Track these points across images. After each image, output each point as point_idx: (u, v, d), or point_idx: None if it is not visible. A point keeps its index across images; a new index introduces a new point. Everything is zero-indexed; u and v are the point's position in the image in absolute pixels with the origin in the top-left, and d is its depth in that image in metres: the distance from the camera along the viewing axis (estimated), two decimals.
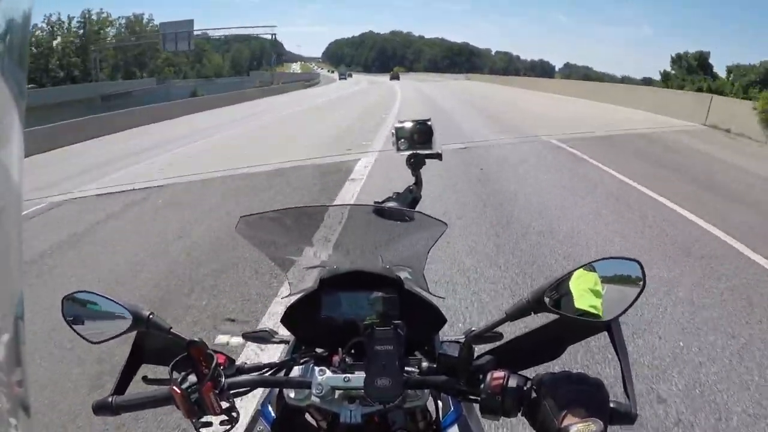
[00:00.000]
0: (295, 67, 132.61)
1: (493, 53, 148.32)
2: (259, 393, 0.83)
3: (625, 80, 56.94)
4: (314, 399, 0.71)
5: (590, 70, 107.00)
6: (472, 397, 0.67)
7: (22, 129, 0.34)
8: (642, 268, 0.60)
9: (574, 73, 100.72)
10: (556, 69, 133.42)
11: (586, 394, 0.58)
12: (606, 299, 0.60)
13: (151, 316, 0.70)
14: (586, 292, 0.60)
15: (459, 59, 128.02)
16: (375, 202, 0.99)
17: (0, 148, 0.32)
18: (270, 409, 0.82)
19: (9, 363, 0.34)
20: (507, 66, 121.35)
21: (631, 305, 0.59)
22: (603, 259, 0.61)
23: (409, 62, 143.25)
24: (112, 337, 0.71)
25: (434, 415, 0.80)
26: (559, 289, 0.61)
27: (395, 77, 66.43)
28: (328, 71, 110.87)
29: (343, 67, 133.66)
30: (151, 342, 0.76)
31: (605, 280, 0.60)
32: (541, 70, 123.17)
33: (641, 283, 0.60)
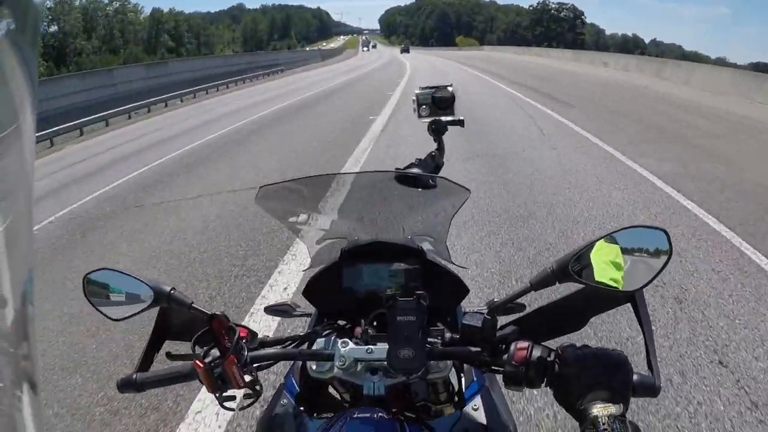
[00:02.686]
0: (335, 43, 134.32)
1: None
2: (282, 366, 0.88)
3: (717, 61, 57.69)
4: (337, 371, 0.76)
5: (680, 49, 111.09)
6: (495, 368, 0.70)
7: (34, 117, 0.37)
8: (668, 237, 0.62)
9: (667, 51, 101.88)
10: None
11: (608, 373, 0.62)
12: (629, 270, 0.63)
13: (172, 292, 0.75)
14: (607, 265, 0.63)
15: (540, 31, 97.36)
16: (396, 169, 1.01)
17: (13, 135, 0.34)
18: (293, 381, 0.87)
19: (17, 337, 0.37)
20: (597, 40, 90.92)
21: (655, 276, 0.62)
22: (628, 227, 0.64)
23: (478, 32, 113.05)
24: (134, 314, 0.76)
25: (457, 387, 0.85)
26: (582, 259, 0.64)
27: (405, 50, 72.65)
28: (369, 46, 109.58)
29: (368, 41, 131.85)
30: (174, 318, 0.82)
31: (629, 250, 0.63)
32: (634, 45, 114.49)
33: (668, 253, 0.62)
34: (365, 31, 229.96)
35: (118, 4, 61.90)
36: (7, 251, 0.35)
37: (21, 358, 0.37)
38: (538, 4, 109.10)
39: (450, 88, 1.22)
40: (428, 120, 1.22)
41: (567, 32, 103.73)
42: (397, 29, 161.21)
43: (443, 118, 1.22)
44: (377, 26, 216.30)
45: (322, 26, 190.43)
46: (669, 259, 0.61)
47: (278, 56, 46.48)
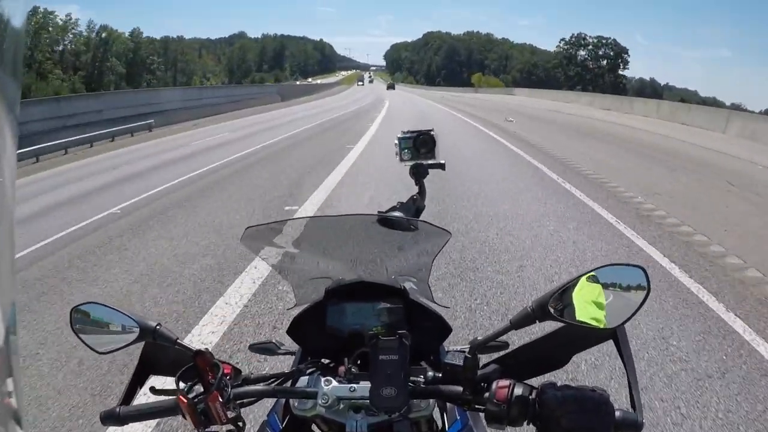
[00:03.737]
0: (333, 78, 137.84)
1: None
2: (266, 402, 0.90)
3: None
4: (320, 409, 0.79)
5: (696, 95, 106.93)
6: (477, 406, 0.73)
7: (15, 138, 0.36)
8: (646, 274, 0.66)
9: (685, 96, 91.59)
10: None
11: (589, 416, 0.65)
12: (610, 306, 0.67)
13: (158, 327, 0.78)
14: (588, 304, 0.67)
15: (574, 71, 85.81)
16: (379, 212, 1.07)
17: None
18: (276, 418, 0.91)
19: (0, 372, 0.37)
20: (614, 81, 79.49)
21: (635, 313, 0.66)
22: (607, 265, 0.68)
23: (490, 71, 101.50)
24: (120, 348, 0.79)
25: (440, 425, 0.90)
26: (563, 298, 0.67)
27: (391, 87, 78.90)
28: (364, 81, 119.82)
29: (362, 74, 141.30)
30: (159, 353, 0.85)
31: (609, 286, 0.67)
32: (652, 90, 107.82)
33: (646, 289, 0.66)
34: (372, 67, 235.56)
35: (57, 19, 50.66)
36: None
37: (4, 395, 0.37)
38: (572, 37, 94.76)
39: (432, 133, 1.29)
40: (410, 164, 1.30)
41: (607, 73, 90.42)
42: (401, 65, 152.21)
43: (425, 162, 1.30)
44: (384, 62, 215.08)
45: (324, 60, 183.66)
46: (647, 295, 0.66)
47: (202, 93, 36.83)
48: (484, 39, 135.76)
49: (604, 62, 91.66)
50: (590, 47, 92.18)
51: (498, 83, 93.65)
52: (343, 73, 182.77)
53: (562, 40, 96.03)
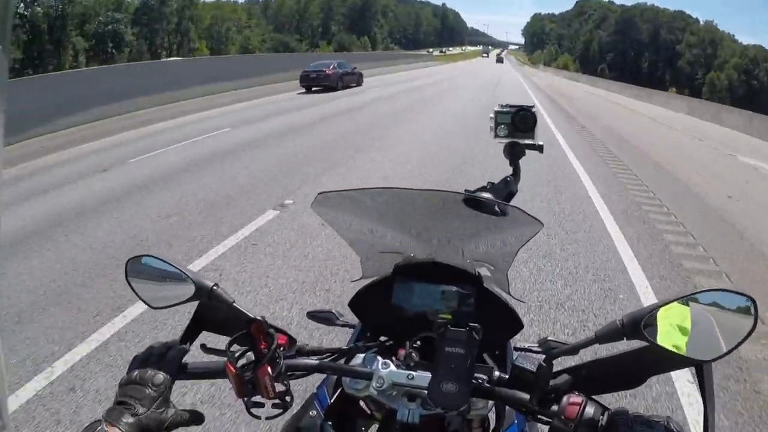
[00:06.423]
0: (452, 51, 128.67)
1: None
2: (316, 374, 0.90)
3: None
4: (372, 391, 0.80)
5: None
6: (543, 418, 0.72)
7: (3, 121, 0.38)
8: (755, 306, 0.62)
9: None
10: None
11: None
12: (703, 337, 0.63)
13: (214, 288, 0.80)
14: (673, 329, 0.64)
15: None
16: (466, 191, 1.07)
17: None
18: (326, 393, 0.93)
19: None
20: None
21: (734, 348, 0.62)
22: (710, 290, 0.65)
23: (683, 62, 62.59)
24: (173, 305, 0.82)
25: (493, 425, 0.91)
26: (651, 318, 0.66)
27: (499, 60, 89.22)
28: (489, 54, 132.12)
29: (488, 47, 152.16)
30: (213, 312, 0.85)
31: (707, 315, 0.64)
32: None
33: (752, 323, 0.61)
34: (511, 46, 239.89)
35: None
36: None
37: None
38: None
39: (533, 110, 1.24)
40: (506, 141, 1.26)
41: None
42: (544, 41, 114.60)
43: (522, 141, 1.25)
44: (523, 40, 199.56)
45: (445, 29, 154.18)
46: (752, 330, 0.61)
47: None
48: (676, 15, 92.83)
49: None
50: None
51: None
52: (468, 48, 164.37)
53: None
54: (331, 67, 19.77)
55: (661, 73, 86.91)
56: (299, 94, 18.39)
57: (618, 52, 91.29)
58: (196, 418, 0.79)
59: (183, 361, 0.81)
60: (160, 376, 0.75)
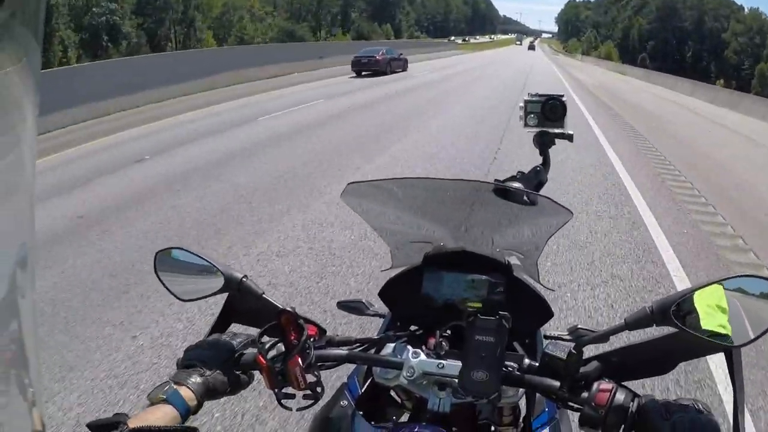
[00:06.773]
0: (480, 39, 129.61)
1: None
2: (346, 364, 0.95)
3: None
4: (403, 381, 0.82)
5: None
6: (574, 405, 0.74)
7: (35, 114, 0.37)
8: None
9: None
10: None
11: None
12: (735, 320, 0.65)
13: (243, 280, 0.83)
14: (713, 310, 0.66)
15: None
16: (496, 181, 1.10)
17: (15, 142, 0.35)
18: (356, 383, 0.96)
19: (18, 347, 0.40)
20: None
21: (764, 333, 0.63)
22: (738, 276, 0.67)
23: (730, 51, 61.64)
24: (203, 297, 0.84)
25: (523, 412, 0.94)
26: (684, 304, 0.68)
27: (531, 48, 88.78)
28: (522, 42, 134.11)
29: (522, 35, 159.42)
30: (242, 304, 0.89)
31: (739, 297, 0.65)
32: None
33: None
34: (544, 34, 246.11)
35: None
36: (7, 257, 0.37)
37: (21, 367, 0.41)
38: None
39: (563, 99, 1.26)
40: (535, 130, 1.27)
41: None
42: (580, 29, 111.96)
43: (551, 130, 1.26)
44: (556, 28, 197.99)
45: (477, 17, 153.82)
46: None
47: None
48: (715, 1, 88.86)
49: None
50: None
51: None
52: (499, 36, 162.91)
53: None
54: (381, 53, 21.66)
55: (706, 64, 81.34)
56: (350, 78, 19.81)
57: (659, 41, 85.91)
58: (250, 380, 0.86)
59: None
60: (230, 341, 0.83)
